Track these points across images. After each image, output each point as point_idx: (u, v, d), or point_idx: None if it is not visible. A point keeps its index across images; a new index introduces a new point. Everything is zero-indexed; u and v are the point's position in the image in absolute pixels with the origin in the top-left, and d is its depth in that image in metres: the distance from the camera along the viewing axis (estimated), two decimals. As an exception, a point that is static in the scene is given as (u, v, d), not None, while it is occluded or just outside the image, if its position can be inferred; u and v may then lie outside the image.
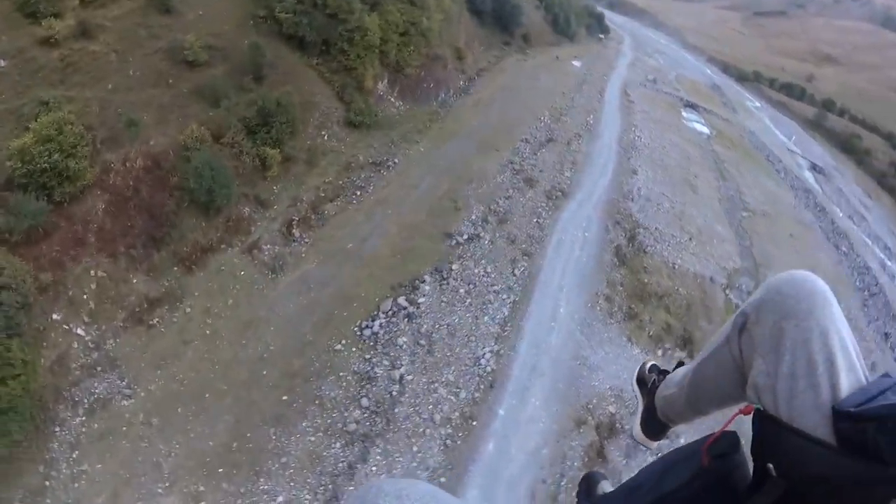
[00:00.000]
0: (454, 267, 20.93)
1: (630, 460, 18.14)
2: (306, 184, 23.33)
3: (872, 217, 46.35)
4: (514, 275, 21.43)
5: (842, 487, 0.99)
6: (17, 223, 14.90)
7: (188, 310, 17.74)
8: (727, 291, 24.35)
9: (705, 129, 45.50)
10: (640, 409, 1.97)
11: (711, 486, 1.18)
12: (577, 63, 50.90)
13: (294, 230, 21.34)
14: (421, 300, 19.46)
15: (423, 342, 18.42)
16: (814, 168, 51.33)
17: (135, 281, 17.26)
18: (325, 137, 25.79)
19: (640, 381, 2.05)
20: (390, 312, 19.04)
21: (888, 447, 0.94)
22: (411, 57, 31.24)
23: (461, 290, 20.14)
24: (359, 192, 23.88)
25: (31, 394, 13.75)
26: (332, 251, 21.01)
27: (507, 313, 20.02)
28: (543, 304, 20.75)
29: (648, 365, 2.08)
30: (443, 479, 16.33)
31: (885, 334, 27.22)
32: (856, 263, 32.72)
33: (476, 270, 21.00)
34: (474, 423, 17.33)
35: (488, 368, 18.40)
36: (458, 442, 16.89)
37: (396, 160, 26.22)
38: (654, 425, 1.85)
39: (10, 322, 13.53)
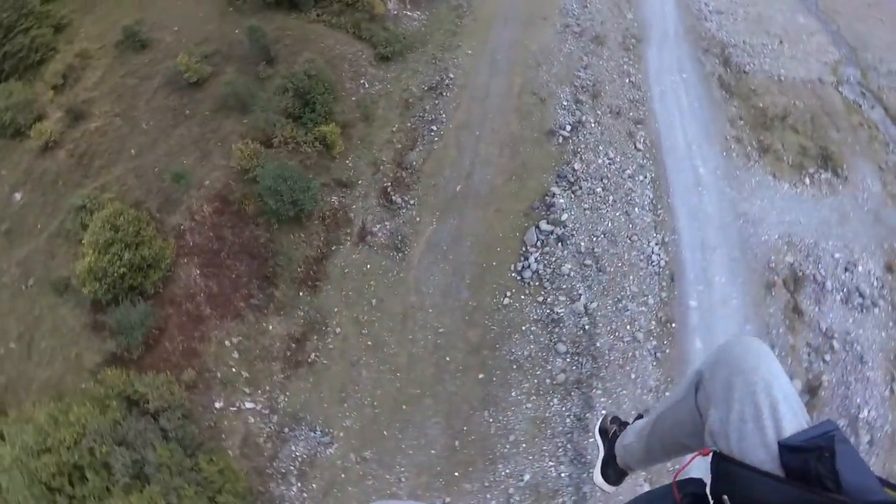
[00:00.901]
0: (576, 166, 18.17)
1: (820, 306, 17.23)
2: (377, 143, 19.81)
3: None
4: (638, 149, 18.78)
5: None
6: (130, 339, 13.82)
7: (338, 330, 15.56)
8: (840, 89, 21.96)
9: None
10: (601, 456, 2.25)
11: None
12: None
13: (393, 196, 18.28)
14: (563, 217, 17.03)
15: (588, 262, 16.37)
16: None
17: (271, 328, 15.32)
18: (367, 85, 21.68)
19: (602, 431, 2.35)
20: (539, 243, 16.71)
21: (827, 474, 1.11)
22: None
23: (598, 190, 17.64)
24: (434, 128, 20.19)
25: (243, 494, 11.93)
26: (443, 202, 18.12)
27: (651, 195, 17.77)
28: (680, 170, 18.44)
29: (610, 417, 2.37)
30: (667, 394, 15.34)
31: None
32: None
33: (600, 161, 18.29)
34: (673, 325, 15.99)
35: (662, 262, 16.65)
36: (667, 351, 15.68)
37: (451, 75, 22.00)
38: (614, 472, 2.10)
39: (184, 441, 11.64)
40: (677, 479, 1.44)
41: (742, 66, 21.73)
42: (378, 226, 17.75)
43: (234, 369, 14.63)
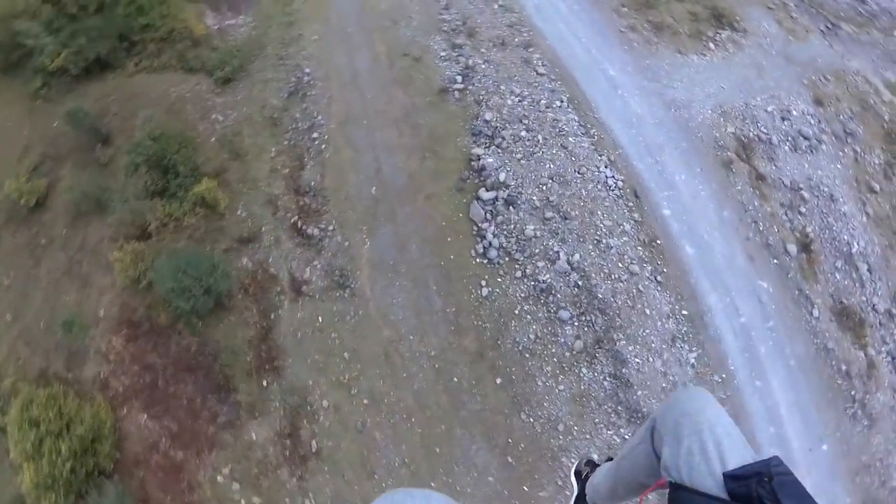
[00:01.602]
0: (487, 117, 15.86)
1: (776, 163, 16.44)
2: (261, 178, 16.75)
3: None
4: (541, 73, 16.68)
5: None
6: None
7: (325, 403, 12.99)
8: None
9: None
10: (574, 494, 2.45)
11: None
12: None
13: (307, 230, 15.37)
14: (501, 177, 14.75)
15: (549, 214, 14.26)
16: None
17: (254, 437, 12.94)
18: (221, 119, 18.35)
19: (577, 472, 2.55)
20: (489, 215, 14.38)
21: (767, 495, 1.26)
22: None
23: (522, 134, 15.44)
24: (316, 135, 17.14)
25: None
26: (364, 213, 15.36)
27: (577, 118, 15.83)
28: (592, 80, 16.64)
29: (584, 461, 2.59)
30: (685, 312, 13.84)
31: None
32: None
33: (509, 102, 16.06)
34: (658, 241, 14.42)
35: (619, 183, 14.89)
36: (665, 270, 14.13)
37: (307, 70, 18.84)
38: None
39: None
40: None
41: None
42: (307, 269, 14.71)
43: (242, 501, 12.38)
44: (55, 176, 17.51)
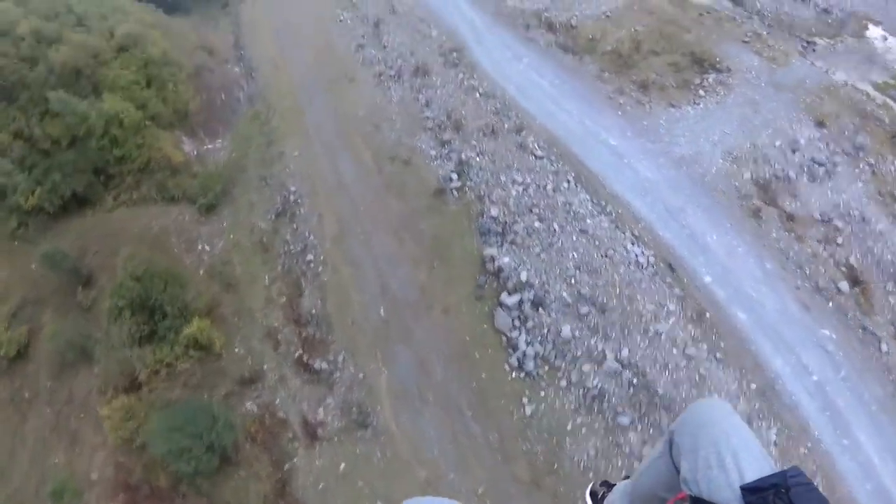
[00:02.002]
0: (494, 213, 15.06)
1: (799, 198, 15.52)
2: (256, 309, 15.85)
3: None
4: (539, 156, 16.04)
5: None
6: None
7: None
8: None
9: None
10: None
11: None
12: None
13: (313, 364, 14.37)
14: (522, 276, 13.76)
15: (584, 309, 13.20)
16: None
17: None
18: (208, 248, 17.65)
19: (593, 493, 2.45)
20: (517, 322, 13.30)
21: None
22: (180, 92, 22.33)
23: (536, 225, 14.64)
24: (311, 256, 16.48)
25: None
26: (375, 337, 14.43)
27: (587, 196, 15.02)
28: (594, 153, 15.97)
29: (599, 482, 2.50)
30: (753, 386, 12.45)
31: None
32: None
33: (513, 192, 15.35)
34: (707, 314, 13.24)
35: (650, 258, 13.84)
36: (723, 344, 12.92)
37: (292, 188, 18.37)
38: None
39: None
40: None
41: (567, 23, 20.07)
42: (320, 409, 13.43)
43: None
44: (36, 322, 16.38)
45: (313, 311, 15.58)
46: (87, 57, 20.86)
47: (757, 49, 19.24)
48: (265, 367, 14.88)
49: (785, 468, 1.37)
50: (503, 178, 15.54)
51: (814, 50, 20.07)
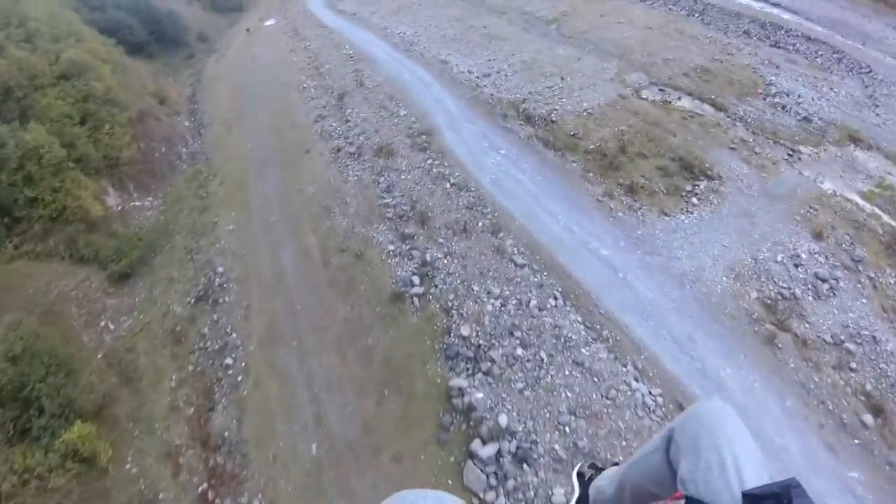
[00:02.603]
0: (464, 330, 12.17)
1: (808, 319, 13.52)
2: (157, 417, 12.63)
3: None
4: (520, 264, 13.42)
5: None
6: None
7: None
8: (642, 96, 20.01)
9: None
10: (575, 495, 2.29)
11: None
12: (270, 21, 44.35)
13: (216, 501, 10.50)
14: (502, 420, 10.63)
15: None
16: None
17: None
18: (111, 327, 14.58)
19: (580, 474, 2.37)
20: (491, 479, 10.00)
21: None
22: (116, 136, 19.82)
23: (518, 352, 11.65)
24: (230, 360, 13.29)
25: None
26: (303, 483, 10.84)
27: (580, 317, 12.36)
28: (584, 263, 13.56)
29: (588, 463, 2.42)
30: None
31: (745, 31, 26.32)
32: None
33: (489, 306, 12.51)
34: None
35: (658, 399, 11.11)
36: None
37: (219, 269, 15.35)
38: None
39: None
40: None
41: (547, 117, 18.51)
42: None
43: None
44: None
45: (226, 433, 12.08)
46: (22, 77, 17.94)
47: (745, 157, 18.06)
48: (161, 496, 11.17)
49: (786, 479, 1.30)
50: (476, 289, 12.83)
51: (799, 158, 19.19)
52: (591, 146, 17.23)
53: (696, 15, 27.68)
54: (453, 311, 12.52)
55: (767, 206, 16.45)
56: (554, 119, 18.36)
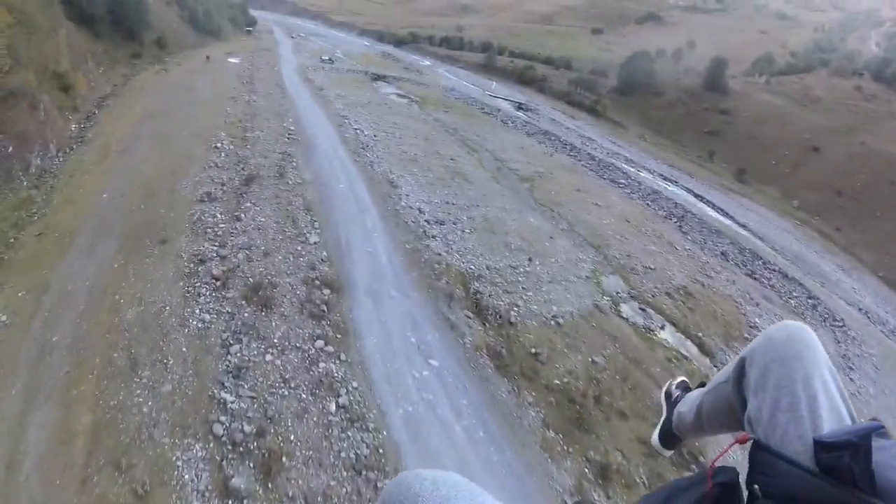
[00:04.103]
0: None
1: None
2: None
3: (592, 133, 44.61)
4: None
5: None
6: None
7: None
8: (621, 313, 15.46)
9: (407, 99, 39.48)
10: (662, 419, 1.99)
11: None
12: (235, 60, 42.37)
13: None
14: None
15: None
16: (520, 107, 47.28)
17: None
18: None
19: (667, 394, 2.05)
20: None
21: (860, 474, 0.96)
22: None
23: None
24: None
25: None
26: None
27: None
28: None
29: (676, 381, 2.05)
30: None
31: (723, 253, 23.48)
32: (642, 191, 28.41)
33: None
34: None
35: None
36: None
37: None
38: (670, 436, 1.89)
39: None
40: (715, 465, 1.20)
41: (506, 315, 13.13)
42: None
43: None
44: None
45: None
46: None
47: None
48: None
49: (868, 422, 1.00)
50: None
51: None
52: (557, 382, 11.86)
53: (674, 220, 25.06)
54: None
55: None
56: (513, 321, 13.01)
